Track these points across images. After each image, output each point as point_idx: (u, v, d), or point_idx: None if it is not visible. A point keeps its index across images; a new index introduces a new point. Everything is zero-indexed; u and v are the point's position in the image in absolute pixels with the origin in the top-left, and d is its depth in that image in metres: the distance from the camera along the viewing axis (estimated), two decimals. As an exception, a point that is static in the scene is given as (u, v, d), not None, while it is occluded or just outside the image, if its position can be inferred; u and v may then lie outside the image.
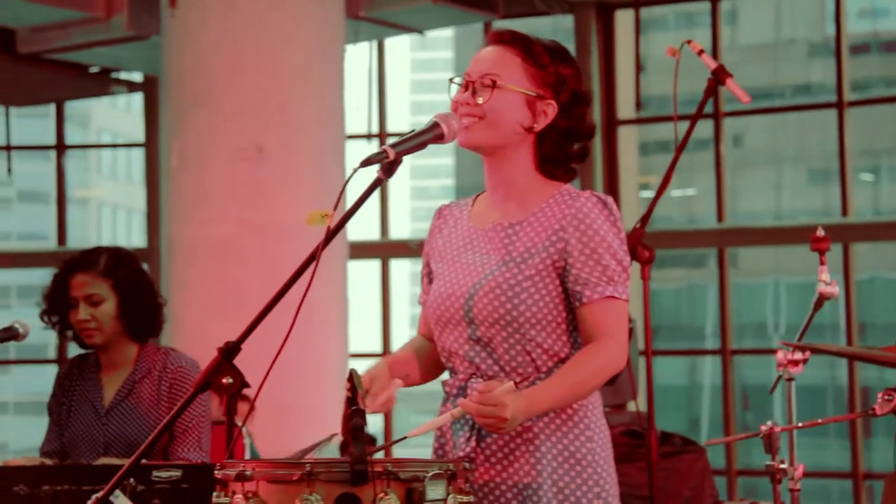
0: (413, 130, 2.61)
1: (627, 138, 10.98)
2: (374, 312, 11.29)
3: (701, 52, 3.74)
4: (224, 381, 2.56)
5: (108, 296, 3.77)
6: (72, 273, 3.80)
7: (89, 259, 3.81)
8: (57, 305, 3.81)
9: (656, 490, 4.07)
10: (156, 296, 3.86)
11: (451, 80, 2.73)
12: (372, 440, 8.20)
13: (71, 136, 12.24)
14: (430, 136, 2.60)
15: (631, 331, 4.64)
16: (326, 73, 8.15)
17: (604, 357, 2.60)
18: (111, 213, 30.03)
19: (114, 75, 11.48)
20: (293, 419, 7.67)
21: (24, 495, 3.35)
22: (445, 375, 2.78)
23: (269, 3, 7.92)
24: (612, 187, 10.62)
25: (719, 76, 3.73)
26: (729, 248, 11.05)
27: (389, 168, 2.54)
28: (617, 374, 2.64)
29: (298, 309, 2.47)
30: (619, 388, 4.68)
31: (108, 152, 30.48)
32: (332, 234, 2.51)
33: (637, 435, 4.67)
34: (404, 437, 2.66)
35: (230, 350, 2.56)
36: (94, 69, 11.17)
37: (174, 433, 3.71)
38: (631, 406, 5.71)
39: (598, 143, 10.58)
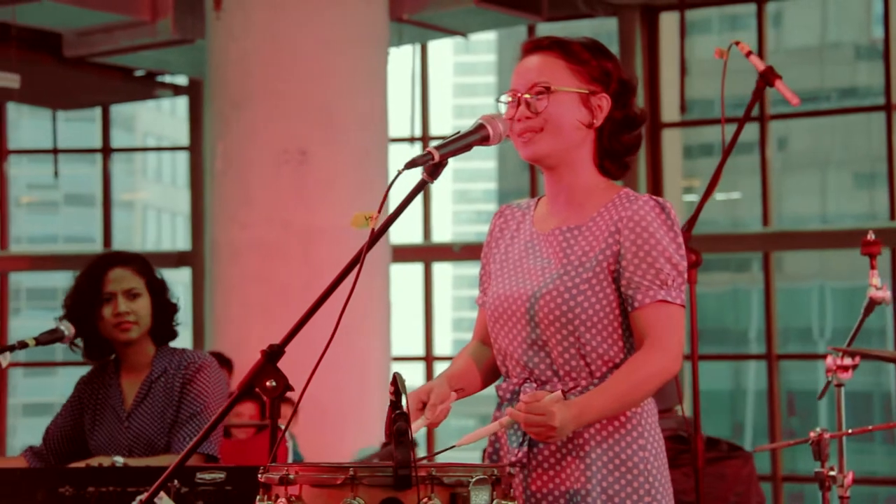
0: (458, 132, 2.59)
1: (671, 141, 10.92)
2: (416, 315, 11.29)
3: (749, 53, 3.71)
4: (268, 383, 2.54)
5: (143, 292, 3.81)
6: (109, 267, 3.81)
7: (123, 256, 3.86)
8: (85, 304, 3.80)
9: (701, 496, 4.04)
10: (176, 303, 3.90)
11: (497, 101, 2.71)
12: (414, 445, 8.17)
13: (116, 140, 12.33)
14: (476, 137, 2.58)
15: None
16: (370, 76, 8.16)
17: (654, 365, 2.57)
18: (156, 217, 30.20)
19: (159, 79, 11.56)
20: (336, 422, 7.68)
21: (70, 496, 3.36)
22: (501, 380, 2.77)
23: (313, 6, 7.94)
24: (655, 190, 10.56)
25: (768, 78, 3.69)
26: (774, 253, 10.96)
27: (434, 170, 2.53)
28: (667, 379, 2.61)
29: (342, 312, 2.46)
30: (664, 392, 4.63)
31: (153, 156, 30.67)
32: (376, 236, 2.50)
33: (682, 440, 4.63)
34: (452, 447, 2.65)
35: (274, 353, 2.55)
36: (139, 73, 11.25)
37: (179, 419, 3.72)
38: (678, 411, 5.65)
39: (642, 146, 10.52)
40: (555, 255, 2.67)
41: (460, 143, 2.56)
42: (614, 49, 10.91)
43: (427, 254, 11.30)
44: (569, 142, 2.67)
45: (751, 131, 10.61)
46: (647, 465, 2.60)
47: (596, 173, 2.71)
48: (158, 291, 3.83)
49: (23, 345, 3.66)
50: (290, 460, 4.48)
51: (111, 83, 10.96)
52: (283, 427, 5.69)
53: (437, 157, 2.51)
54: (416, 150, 11.06)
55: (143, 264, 3.85)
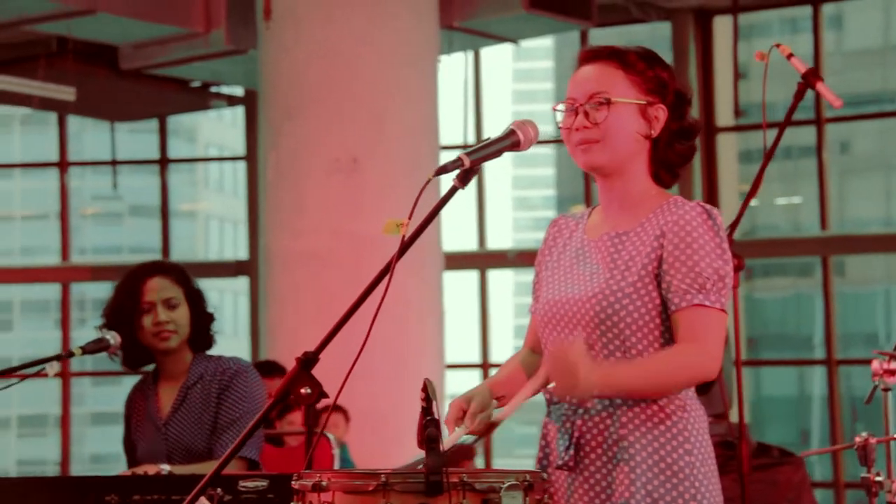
0: (489, 138, 2.60)
1: (726, 146, 10.85)
2: (473, 323, 11.30)
3: (790, 55, 3.68)
4: (302, 391, 2.56)
5: (182, 302, 3.84)
6: (147, 277, 3.85)
7: (162, 266, 3.90)
8: (124, 314, 3.83)
9: (751, 502, 4.01)
10: (212, 311, 3.93)
11: (554, 109, 2.72)
12: (470, 452, 8.19)
13: (179, 151, 12.47)
14: (507, 143, 2.59)
15: (724, 339, 4.57)
16: (421, 84, 8.18)
17: (688, 357, 2.56)
18: (218, 226, 30.39)
19: (214, 89, 11.66)
20: (389, 429, 7.69)
21: (115, 505, 3.39)
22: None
23: (363, 15, 7.97)
24: (711, 195, 10.50)
25: (809, 80, 3.66)
26: (835, 256, 10.84)
27: (465, 176, 2.55)
28: (707, 382, 2.59)
29: (373, 322, 2.47)
30: (712, 398, 4.61)
31: (214, 166, 30.87)
32: (407, 244, 2.52)
33: (732, 446, 4.59)
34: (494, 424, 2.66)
35: (308, 360, 2.56)
36: (195, 84, 11.36)
37: (219, 425, 3.74)
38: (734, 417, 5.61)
39: (696, 151, 10.45)
40: (603, 261, 2.68)
41: (491, 149, 2.58)
42: (667, 54, 10.89)
43: (482, 261, 11.30)
44: (626, 152, 2.68)
45: (811, 135, 10.51)
46: (693, 470, 2.58)
47: (649, 181, 2.72)
48: (196, 301, 3.87)
49: (69, 354, 3.71)
50: (336, 467, 4.49)
51: (167, 94, 11.08)
52: (322, 434, 5.76)
53: (467, 163, 2.53)
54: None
55: (181, 274, 3.89)
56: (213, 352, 3.94)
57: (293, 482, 2.50)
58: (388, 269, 2.53)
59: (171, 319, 3.80)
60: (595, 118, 2.65)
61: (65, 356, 3.69)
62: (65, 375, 12.33)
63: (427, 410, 2.43)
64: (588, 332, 2.63)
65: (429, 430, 2.39)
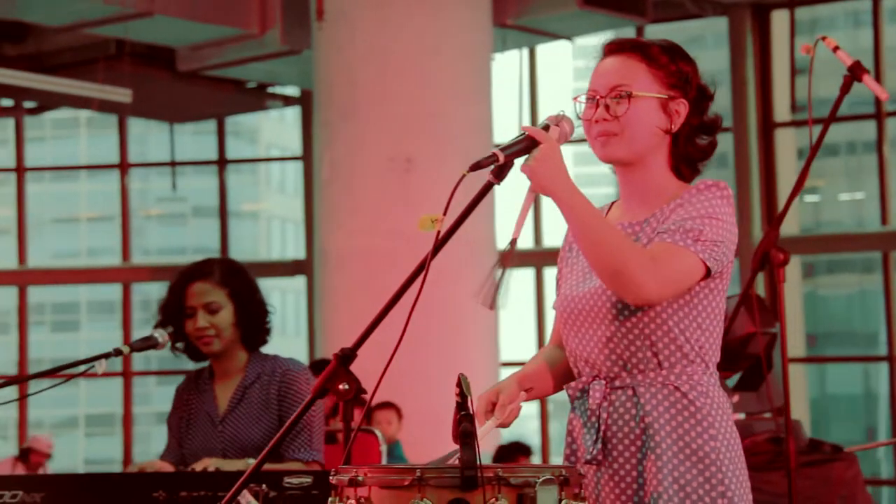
0: (524, 133, 2.60)
1: (784, 141, 10.75)
2: (529, 320, 11.31)
3: (836, 48, 3.65)
4: (340, 387, 2.57)
5: (225, 304, 3.84)
6: (189, 282, 3.87)
7: (205, 269, 3.88)
8: (172, 316, 3.87)
9: (804, 499, 3.98)
10: (266, 305, 3.93)
11: (575, 100, 2.71)
12: (527, 450, 8.18)
13: (241, 152, 12.54)
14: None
15: (775, 336, 4.54)
16: (474, 83, 8.20)
17: (638, 253, 2.51)
18: (280, 226, 30.59)
19: (270, 90, 11.76)
20: (444, 426, 7.70)
21: (163, 501, 3.43)
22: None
23: (416, 14, 8.00)
24: (768, 190, 10.42)
25: (855, 73, 3.63)
26: (895, 252, 10.71)
27: (500, 172, 2.55)
28: (630, 280, 2.50)
29: (408, 320, 2.49)
30: (760, 395, 4.58)
31: (276, 166, 31.07)
32: (442, 240, 2.53)
33: (781, 442, 4.56)
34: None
35: (346, 357, 2.58)
36: (251, 84, 11.46)
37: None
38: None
39: (754, 146, 10.40)
40: None
41: (525, 144, 2.57)
42: (724, 49, 10.83)
43: (538, 259, 11.29)
44: (645, 146, 2.66)
45: (873, 130, 10.39)
46: (718, 456, 2.58)
47: (669, 175, 2.71)
48: (244, 299, 3.85)
49: (118, 352, 3.75)
50: (383, 462, 4.51)
51: (224, 95, 11.18)
52: (369, 430, 5.77)
53: (501, 159, 2.53)
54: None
55: (226, 274, 3.86)
56: (270, 351, 3.95)
57: (331, 477, 2.51)
58: (423, 266, 2.53)
59: (212, 324, 3.81)
60: (615, 111, 2.64)
61: (113, 354, 3.73)
62: (126, 375, 12.48)
63: (462, 405, 2.45)
64: (606, 324, 2.62)
65: (463, 424, 2.40)
